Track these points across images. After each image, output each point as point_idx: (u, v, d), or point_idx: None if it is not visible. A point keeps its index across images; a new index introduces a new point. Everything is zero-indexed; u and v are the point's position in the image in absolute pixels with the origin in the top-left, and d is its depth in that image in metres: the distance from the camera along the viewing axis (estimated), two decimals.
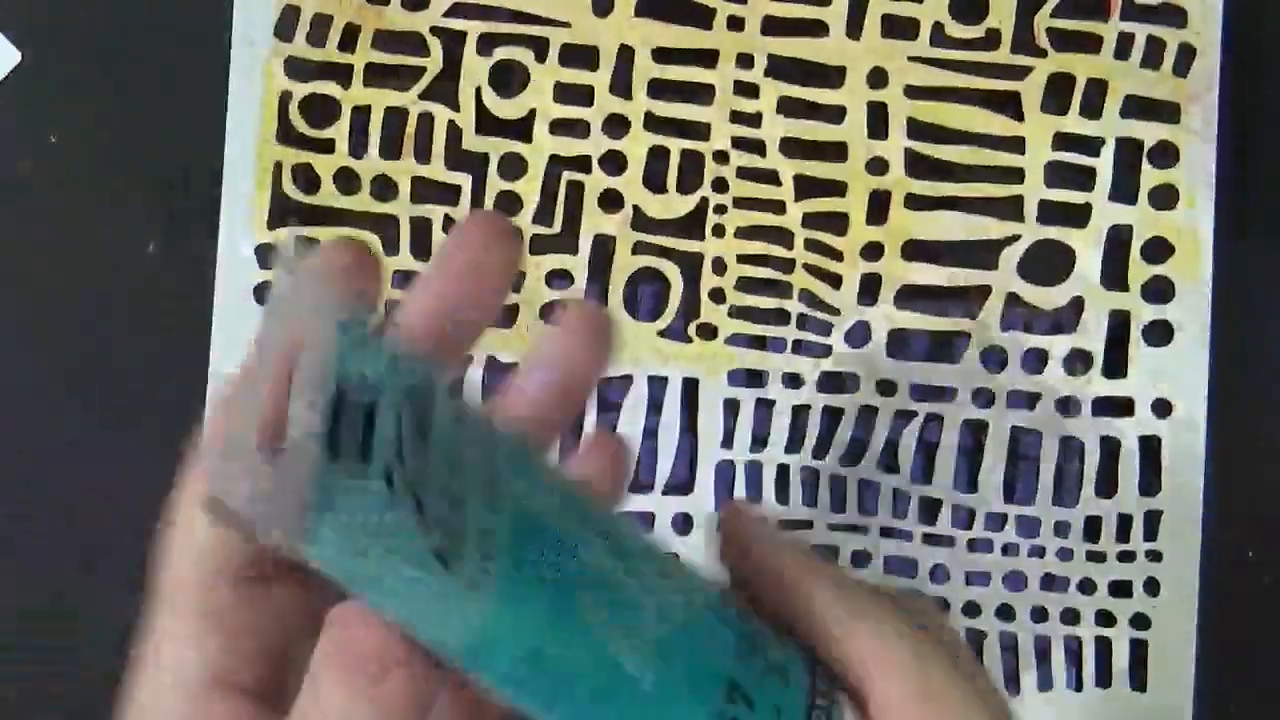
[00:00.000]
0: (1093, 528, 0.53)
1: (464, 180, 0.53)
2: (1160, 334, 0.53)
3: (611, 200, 0.53)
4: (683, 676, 0.24)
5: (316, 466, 0.20)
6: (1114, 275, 0.53)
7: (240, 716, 0.23)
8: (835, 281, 0.52)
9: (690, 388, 0.52)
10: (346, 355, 0.22)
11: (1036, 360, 0.53)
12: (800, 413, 0.52)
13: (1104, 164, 0.53)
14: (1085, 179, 0.53)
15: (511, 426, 0.25)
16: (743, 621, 0.26)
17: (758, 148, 0.52)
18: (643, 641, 0.23)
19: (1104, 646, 0.52)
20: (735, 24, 0.53)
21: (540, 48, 0.53)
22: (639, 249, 0.52)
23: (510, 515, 0.22)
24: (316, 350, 0.21)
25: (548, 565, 0.22)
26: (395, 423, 0.21)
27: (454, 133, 0.53)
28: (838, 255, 0.53)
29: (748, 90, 0.53)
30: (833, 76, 0.53)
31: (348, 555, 0.21)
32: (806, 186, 0.53)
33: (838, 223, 0.53)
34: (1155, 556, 0.52)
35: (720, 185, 0.52)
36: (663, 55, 0.52)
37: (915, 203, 0.53)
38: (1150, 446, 0.53)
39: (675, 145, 0.52)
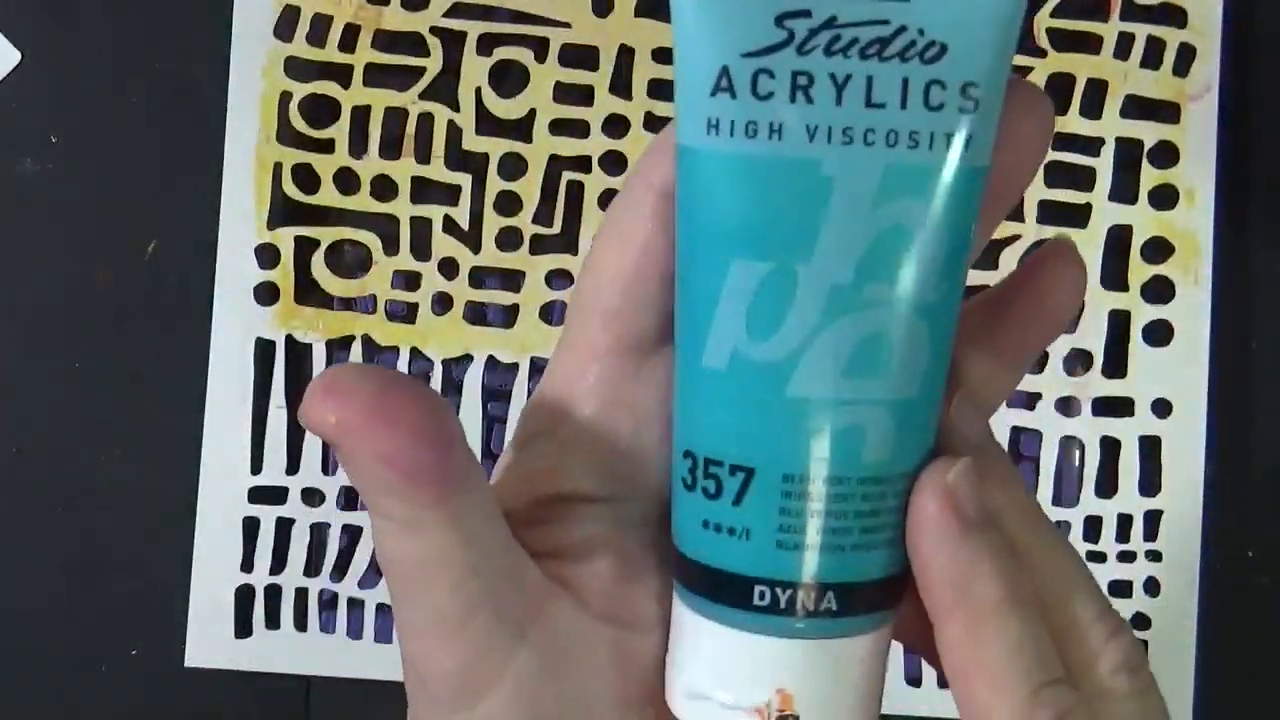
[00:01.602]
0: (1093, 528, 0.53)
1: (464, 180, 0.53)
2: (1160, 334, 0.53)
3: (612, 200, 0.53)
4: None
5: None
6: (1114, 275, 0.53)
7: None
8: None
9: None
10: None
11: (1037, 360, 0.53)
12: None
13: (1104, 164, 0.53)
14: (1085, 179, 0.53)
15: None
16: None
17: None
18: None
19: None
20: None
21: (540, 48, 0.53)
22: None
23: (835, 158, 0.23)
24: None
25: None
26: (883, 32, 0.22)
27: (454, 133, 0.53)
28: None
29: None
30: None
31: None
32: None
33: None
34: (1155, 556, 0.52)
35: None
36: (663, 55, 0.52)
37: None
38: (1150, 446, 0.53)
39: None
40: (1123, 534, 0.52)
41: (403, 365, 0.53)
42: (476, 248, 0.53)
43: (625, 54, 0.52)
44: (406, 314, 0.53)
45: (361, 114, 0.53)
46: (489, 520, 0.24)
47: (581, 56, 0.53)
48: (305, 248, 0.53)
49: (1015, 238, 0.52)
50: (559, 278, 0.53)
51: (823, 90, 0.22)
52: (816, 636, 0.23)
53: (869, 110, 0.22)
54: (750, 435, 0.23)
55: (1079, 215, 0.53)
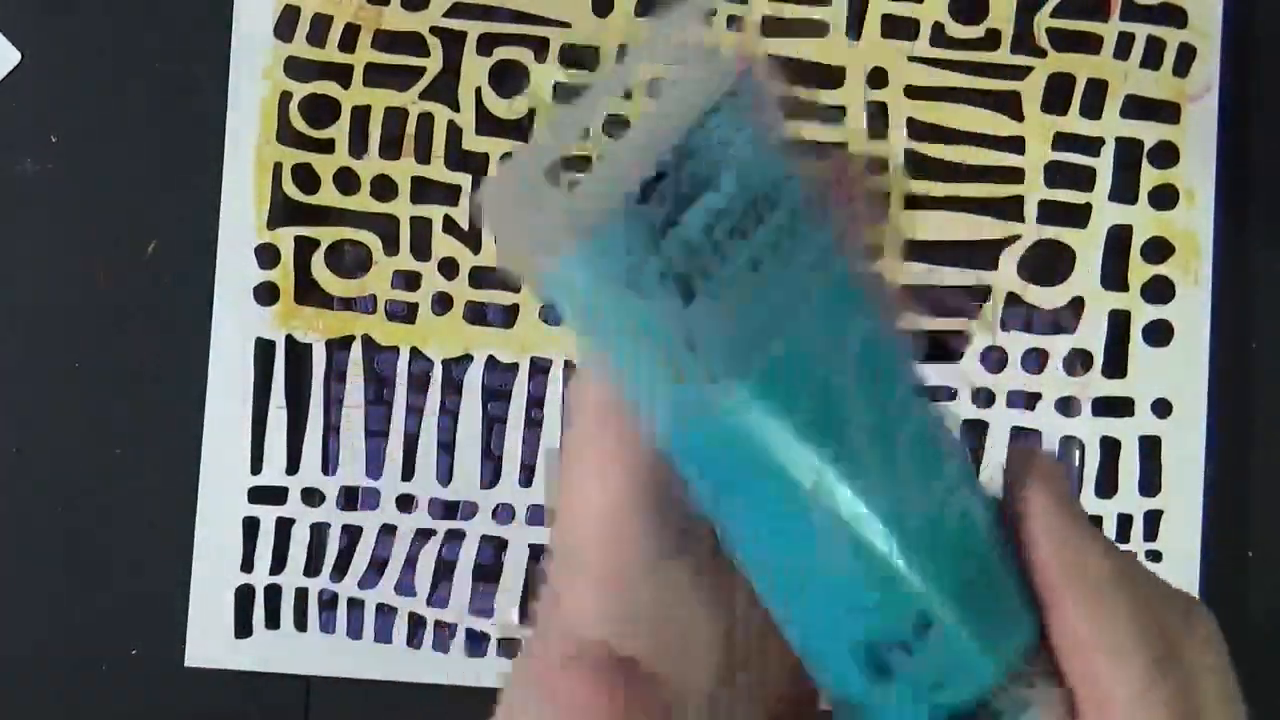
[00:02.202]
0: None
1: (464, 180, 0.53)
2: (1160, 334, 0.53)
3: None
4: (876, 579, 0.23)
5: (613, 195, 0.21)
6: (1114, 275, 0.53)
7: (626, 685, 0.24)
8: None
9: None
10: (721, 121, 0.21)
11: (1036, 360, 0.53)
12: None
13: (1104, 164, 0.53)
14: (1085, 179, 0.53)
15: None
16: (992, 551, 0.25)
17: None
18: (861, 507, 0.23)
19: None
20: (735, 24, 0.53)
21: (540, 48, 0.53)
22: None
23: (786, 346, 0.22)
24: (686, 97, 0.22)
25: (800, 405, 0.22)
26: (720, 208, 0.21)
27: (454, 133, 0.53)
28: None
29: None
30: (833, 76, 0.53)
31: (596, 295, 0.21)
32: None
33: None
34: (1155, 556, 0.52)
35: None
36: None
37: (915, 203, 0.53)
38: (1150, 446, 0.53)
39: None
40: (1123, 534, 0.52)
41: (403, 365, 0.53)
42: (476, 248, 0.53)
43: (625, 54, 0.52)
44: (406, 314, 0.53)
45: (361, 114, 0.53)
46: None
47: (581, 56, 0.53)
48: (305, 248, 0.53)
49: (1015, 238, 0.52)
50: None
51: (745, 317, 0.22)
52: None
53: (772, 280, 0.22)
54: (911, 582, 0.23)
55: (1079, 215, 0.53)
